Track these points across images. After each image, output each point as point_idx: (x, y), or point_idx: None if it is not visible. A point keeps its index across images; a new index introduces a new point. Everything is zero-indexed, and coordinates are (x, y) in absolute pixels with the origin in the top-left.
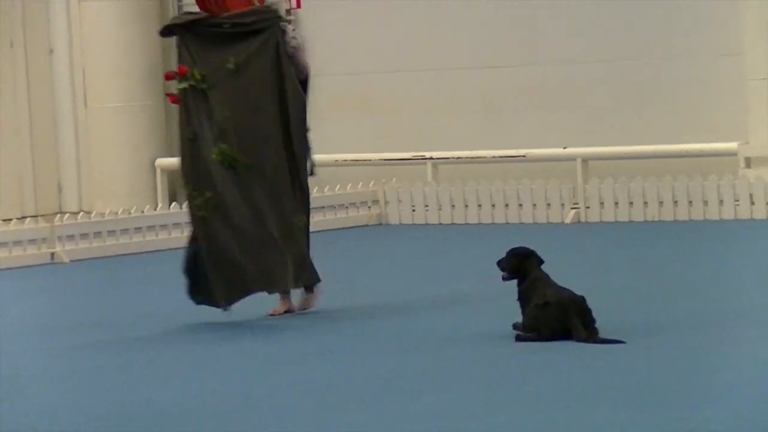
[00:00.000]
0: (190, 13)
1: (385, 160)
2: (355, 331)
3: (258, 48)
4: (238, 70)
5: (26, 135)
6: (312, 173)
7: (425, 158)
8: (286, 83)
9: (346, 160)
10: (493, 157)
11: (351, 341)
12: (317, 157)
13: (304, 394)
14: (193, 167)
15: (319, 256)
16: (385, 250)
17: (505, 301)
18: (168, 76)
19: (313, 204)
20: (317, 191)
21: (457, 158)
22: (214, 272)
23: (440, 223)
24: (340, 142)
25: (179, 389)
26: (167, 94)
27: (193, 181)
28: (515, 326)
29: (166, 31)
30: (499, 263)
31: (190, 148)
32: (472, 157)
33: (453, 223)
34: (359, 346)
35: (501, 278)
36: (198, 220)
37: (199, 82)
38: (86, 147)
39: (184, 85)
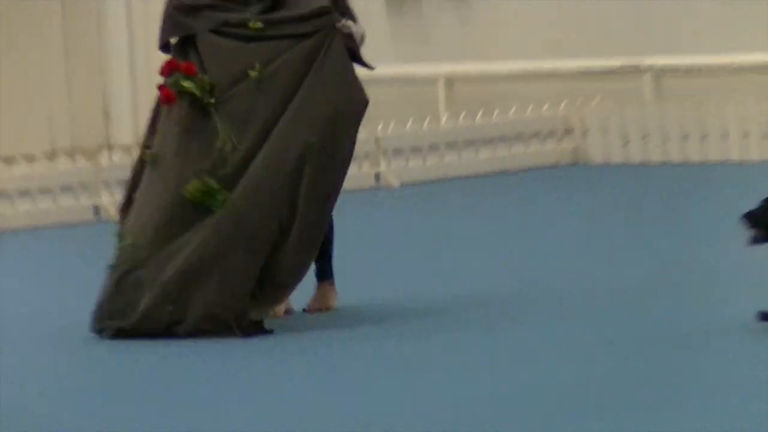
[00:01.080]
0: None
1: (582, 69)
2: (526, 332)
3: (296, 56)
4: (262, 81)
5: (59, 43)
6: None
7: (642, 68)
8: (327, 110)
9: (527, 71)
10: (749, 64)
11: (528, 345)
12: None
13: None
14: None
15: (491, 206)
16: (582, 199)
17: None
18: (164, 71)
19: (475, 135)
20: (482, 116)
21: (691, 66)
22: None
23: (664, 162)
24: (514, 44)
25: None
26: (160, 86)
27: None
28: (764, 316)
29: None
30: (748, 216)
31: (144, 175)
32: (715, 65)
33: (685, 162)
34: (536, 352)
35: (749, 240)
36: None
37: (203, 92)
38: (145, 54)
39: (187, 85)
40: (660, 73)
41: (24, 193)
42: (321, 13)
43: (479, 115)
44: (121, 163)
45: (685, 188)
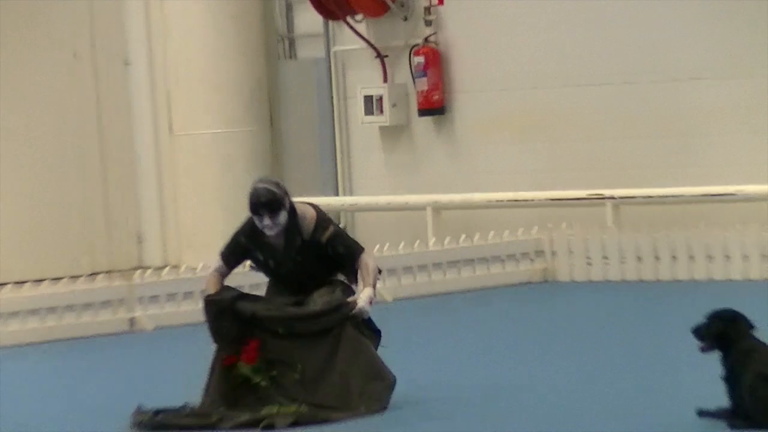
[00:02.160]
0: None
1: (552, 199)
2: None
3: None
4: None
5: (96, 169)
6: None
7: (604, 197)
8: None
9: (502, 201)
10: (693, 195)
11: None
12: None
13: None
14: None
15: (471, 318)
16: (551, 314)
17: (704, 381)
18: (228, 360)
19: (460, 257)
20: (465, 240)
21: (646, 197)
22: None
23: (623, 280)
24: (494, 177)
25: None
26: (230, 359)
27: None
28: (702, 413)
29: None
30: (697, 331)
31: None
32: (664, 196)
33: (640, 280)
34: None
35: (699, 349)
36: None
37: (255, 374)
38: (172, 185)
39: (244, 371)
40: (619, 202)
41: (70, 307)
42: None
43: (462, 239)
44: (152, 280)
45: (639, 303)
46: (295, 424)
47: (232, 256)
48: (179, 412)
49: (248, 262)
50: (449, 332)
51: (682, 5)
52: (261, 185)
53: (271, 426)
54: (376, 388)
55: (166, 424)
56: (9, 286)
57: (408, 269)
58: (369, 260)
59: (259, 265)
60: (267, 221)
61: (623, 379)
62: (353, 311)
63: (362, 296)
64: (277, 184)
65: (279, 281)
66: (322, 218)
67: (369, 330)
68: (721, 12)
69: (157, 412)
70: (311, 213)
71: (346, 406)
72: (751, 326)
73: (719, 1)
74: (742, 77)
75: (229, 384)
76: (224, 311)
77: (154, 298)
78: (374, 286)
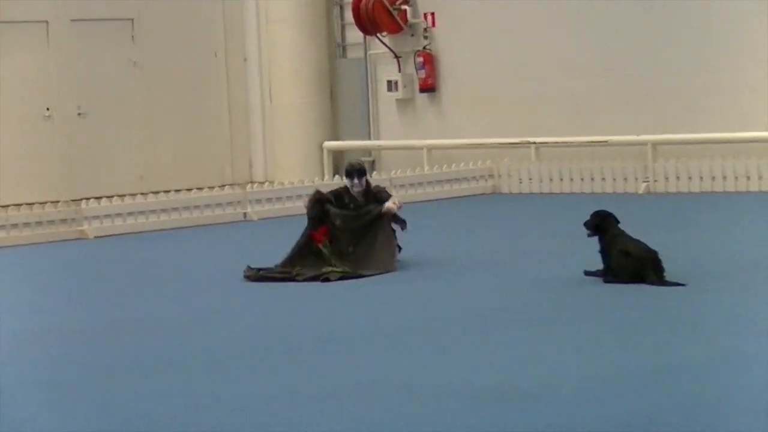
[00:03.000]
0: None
1: (498, 144)
2: (472, 276)
3: (374, 217)
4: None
5: (226, 124)
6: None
7: (530, 143)
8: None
9: (469, 144)
10: (583, 142)
11: (467, 283)
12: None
13: (431, 324)
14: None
15: (449, 214)
16: (498, 212)
17: (587, 253)
18: (318, 236)
19: (444, 177)
20: (446, 167)
21: (555, 143)
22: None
23: (541, 193)
24: (464, 130)
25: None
26: (311, 234)
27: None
28: (587, 273)
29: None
30: (585, 224)
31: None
32: (566, 142)
33: (551, 193)
34: (472, 288)
35: (586, 235)
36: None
37: (333, 259)
38: (271, 132)
39: (324, 244)
40: (539, 145)
41: (199, 206)
42: (373, 194)
43: (443, 167)
44: (257, 189)
45: (548, 207)
46: (342, 278)
47: (323, 201)
48: (272, 269)
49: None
50: (439, 221)
51: None
52: (355, 161)
53: (327, 279)
54: (391, 259)
55: (265, 276)
56: (162, 192)
57: (411, 185)
58: (395, 199)
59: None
60: (356, 182)
61: (525, 243)
62: (384, 209)
63: (388, 202)
64: (362, 163)
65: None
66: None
67: (399, 220)
68: None
69: (259, 270)
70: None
71: (375, 267)
72: (617, 221)
73: None
74: None
75: (305, 252)
76: (316, 202)
77: (259, 201)
78: (398, 206)
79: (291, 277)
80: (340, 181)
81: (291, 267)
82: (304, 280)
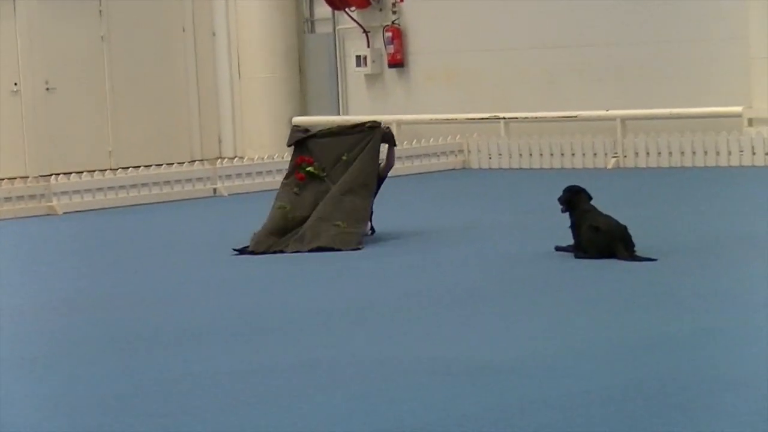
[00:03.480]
0: (305, 129)
1: (468, 119)
2: (443, 252)
3: (364, 147)
4: (349, 162)
5: (194, 99)
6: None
7: (499, 118)
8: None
9: (438, 119)
10: (552, 117)
11: (438, 259)
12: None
13: (400, 300)
14: (274, 226)
15: (418, 190)
16: (467, 187)
17: (557, 229)
18: (298, 162)
19: (413, 153)
20: (416, 143)
21: (524, 118)
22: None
23: (510, 168)
24: (433, 106)
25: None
26: (296, 173)
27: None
28: (557, 248)
29: (294, 142)
30: (558, 199)
31: (279, 215)
32: (536, 117)
33: (521, 168)
34: (443, 264)
35: (560, 211)
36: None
37: (319, 172)
38: (240, 108)
39: (309, 169)
40: (509, 120)
41: (169, 182)
42: (371, 125)
43: (413, 142)
44: (227, 165)
45: (524, 183)
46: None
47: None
48: (248, 246)
49: None
50: (409, 197)
51: None
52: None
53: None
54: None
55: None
56: (131, 168)
57: (381, 160)
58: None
59: None
60: None
61: (495, 218)
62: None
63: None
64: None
65: None
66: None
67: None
68: None
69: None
70: None
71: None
72: (589, 197)
73: None
74: None
75: (277, 223)
76: (298, 129)
77: (229, 176)
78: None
79: (280, 249)
80: None
81: (264, 238)
82: (294, 251)
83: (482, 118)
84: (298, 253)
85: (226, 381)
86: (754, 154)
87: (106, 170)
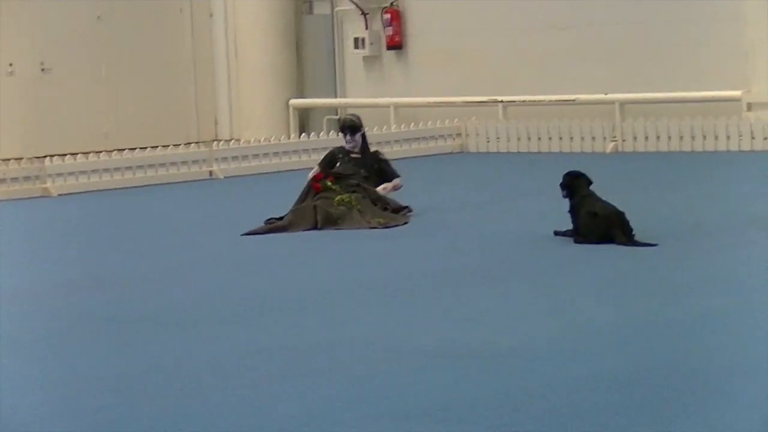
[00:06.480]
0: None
1: (466, 102)
2: (442, 235)
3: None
4: (359, 184)
5: (191, 81)
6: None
7: (498, 101)
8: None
9: (436, 102)
10: (550, 100)
11: (437, 242)
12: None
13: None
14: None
15: (416, 173)
16: (465, 171)
17: (555, 213)
18: (318, 177)
19: (411, 136)
20: (414, 126)
21: (523, 101)
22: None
23: (508, 152)
24: (432, 88)
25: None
26: (313, 185)
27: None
28: (556, 233)
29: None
30: (560, 184)
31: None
32: (534, 101)
33: (518, 152)
34: (443, 246)
35: (562, 196)
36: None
37: (332, 186)
38: (236, 90)
39: (326, 182)
40: (507, 104)
41: (165, 164)
42: (374, 155)
43: (411, 125)
44: (223, 147)
45: (522, 167)
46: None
47: (325, 161)
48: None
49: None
50: (406, 180)
51: None
52: (348, 115)
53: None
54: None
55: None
56: (126, 150)
57: (378, 143)
58: (398, 180)
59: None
60: (349, 137)
61: (493, 202)
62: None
63: (380, 187)
64: (358, 117)
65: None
66: (379, 151)
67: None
68: None
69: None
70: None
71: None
72: (589, 182)
73: None
74: None
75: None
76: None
77: (225, 159)
78: (393, 189)
79: (283, 227)
80: (306, 138)
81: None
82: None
83: (480, 102)
84: (299, 234)
85: (228, 362)
86: (753, 138)
87: (101, 152)
